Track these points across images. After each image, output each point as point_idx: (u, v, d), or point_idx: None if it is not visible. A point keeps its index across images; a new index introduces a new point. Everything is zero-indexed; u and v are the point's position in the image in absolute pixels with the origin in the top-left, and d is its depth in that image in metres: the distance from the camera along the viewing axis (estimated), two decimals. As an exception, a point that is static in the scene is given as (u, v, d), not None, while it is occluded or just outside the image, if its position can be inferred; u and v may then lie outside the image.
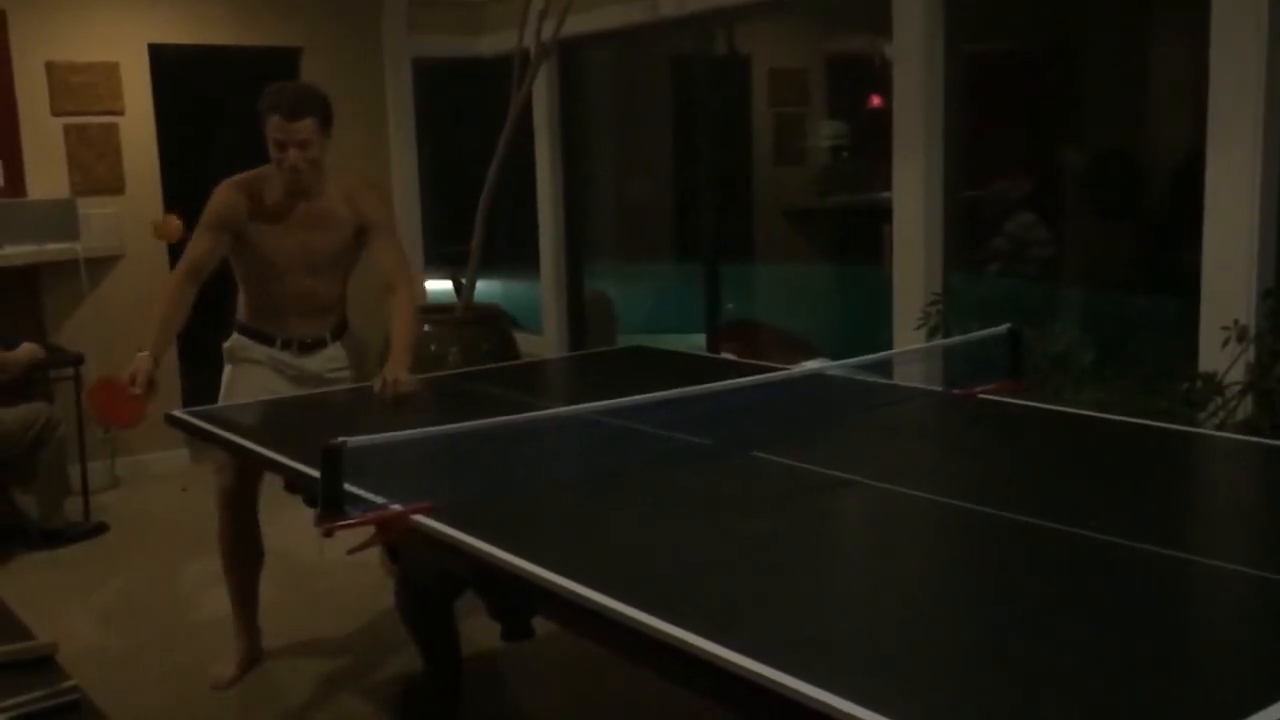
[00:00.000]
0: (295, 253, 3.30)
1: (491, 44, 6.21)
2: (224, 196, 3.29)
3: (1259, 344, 3.12)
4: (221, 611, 3.57)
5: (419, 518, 2.07)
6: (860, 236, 5.63)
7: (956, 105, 4.18)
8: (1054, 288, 4.69)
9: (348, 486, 2.09)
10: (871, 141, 4.98)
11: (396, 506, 2.10)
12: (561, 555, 1.91)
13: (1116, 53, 4.48)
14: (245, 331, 3.42)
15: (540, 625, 2.11)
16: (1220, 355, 3.15)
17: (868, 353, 3.32)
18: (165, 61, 5.47)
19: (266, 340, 3.39)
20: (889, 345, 4.20)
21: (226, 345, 3.45)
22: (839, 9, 5.48)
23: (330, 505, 2.04)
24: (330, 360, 3.47)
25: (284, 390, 3.35)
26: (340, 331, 3.53)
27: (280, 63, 5.86)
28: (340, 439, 2.05)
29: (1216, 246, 3.26)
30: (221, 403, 3.35)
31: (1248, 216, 3.18)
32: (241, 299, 3.44)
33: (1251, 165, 3.16)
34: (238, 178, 3.34)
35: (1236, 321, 3.13)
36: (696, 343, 5.54)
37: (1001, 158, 4.89)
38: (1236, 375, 3.11)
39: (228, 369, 3.43)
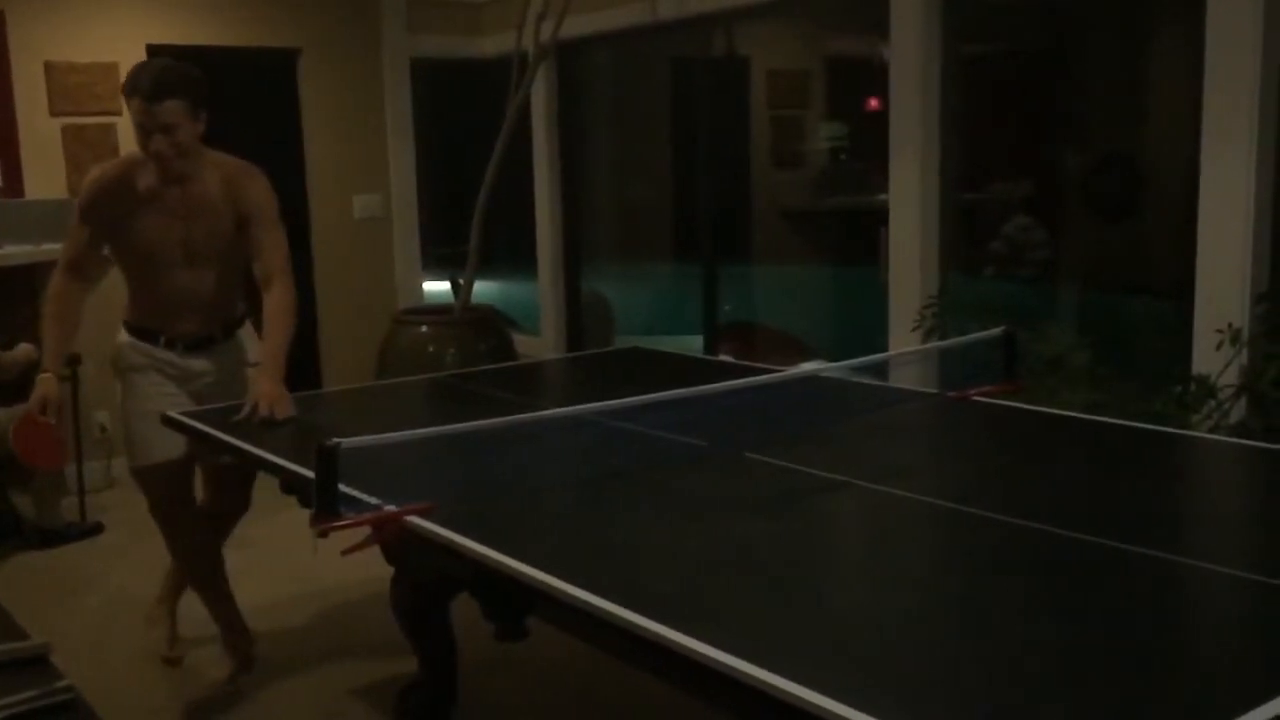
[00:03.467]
0: (173, 243, 3.07)
1: (490, 45, 6.21)
2: (92, 185, 3.10)
3: (1252, 347, 3.13)
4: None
5: (413, 518, 2.07)
6: (859, 238, 5.64)
7: (953, 107, 4.18)
8: (1051, 290, 4.70)
9: (343, 487, 2.09)
10: (870, 143, 4.99)
11: (391, 507, 2.10)
12: (555, 556, 1.91)
13: (1114, 56, 4.49)
14: (130, 329, 3.21)
15: (535, 625, 2.12)
16: (1214, 358, 3.16)
17: (865, 354, 3.32)
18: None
19: (150, 338, 3.18)
20: (886, 347, 4.21)
21: (111, 352, 3.25)
22: (838, 11, 5.49)
23: (325, 506, 2.05)
24: (219, 359, 3.23)
25: (181, 398, 3.15)
26: (231, 330, 3.27)
27: (278, 63, 5.87)
28: (335, 440, 2.05)
29: (1210, 250, 3.27)
30: (124, 425, 3.21)
31: (1241, 220, 3.18)
32: (126, 295, 3.24)
33: (1245, 169, 3.16)
34: (109, 164, 3.15)
35: (1230, 325, 3.14)
36: (694, 344, 5.55)
37: (999, 160, 4.90)
38: (1230, 378, 3.12)
39: (118, 385, 3.23)
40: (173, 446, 3.11)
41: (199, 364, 3.21)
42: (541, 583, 1.79)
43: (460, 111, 6.70)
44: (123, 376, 3.22)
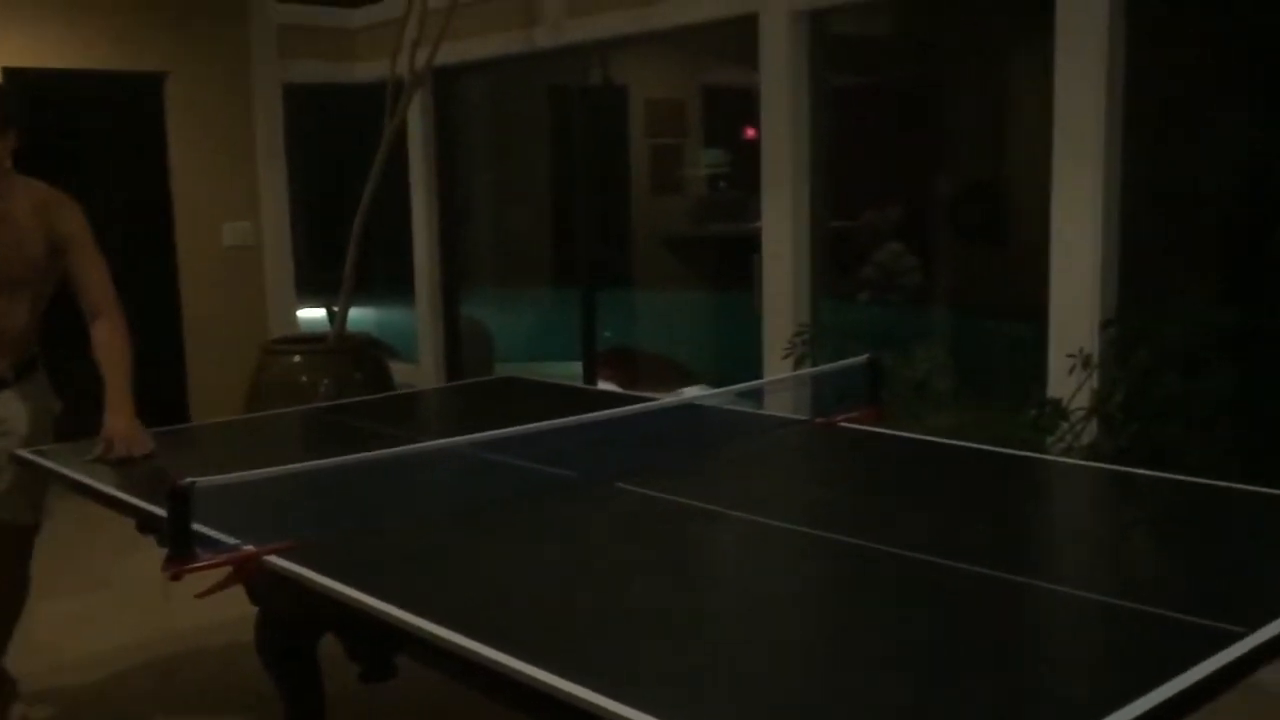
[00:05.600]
0: None
1: (365, 70, 6.15)
2: None
3: (1102, 371, 3.27)
4: (85, 656, 3.40)
5: (272, 558, 2.02)
6: (737, 264, 5.73)
7: (824, 137, 4.29)
8: (921, 314, 4.84)
9: (201, 527, 2.03)
10: (748, 171, 5.08)
11: (250, 547, 2.05)
12: (418, 594, 1.89)
13: (978, 87, 4.66)
14: None
15: (405, 664, 2.08)
16: (1067, 382, 3.29)
17: (745, 380, 3.36)
18: (22, 86, 5.27)
19: None
20: (763, 373, 4.27)
21: None
22: (713, 41, 5.59)
23: (178, 548, 1.99)
24: (11, 405, 2.96)
25: None
26: (23, 371, 3.02)
27: (144, 88, 5.72)
28: (188, 479, 2.00)
29: (1062, 277, 3.41)
30: None
31: (1090, 249, 3.33)
32: None
33: (1092, 201, 3.31)
34: None
35: (1081, 349, 3.28)
36: (574, 370, 5.55)
37: (870, 188, 5.04)
38: (1082, 401, 3.25)
39: None
40: None
41: None
42: (402, 621, 1.76)
43: (335, 137, 6.62)
44: None
